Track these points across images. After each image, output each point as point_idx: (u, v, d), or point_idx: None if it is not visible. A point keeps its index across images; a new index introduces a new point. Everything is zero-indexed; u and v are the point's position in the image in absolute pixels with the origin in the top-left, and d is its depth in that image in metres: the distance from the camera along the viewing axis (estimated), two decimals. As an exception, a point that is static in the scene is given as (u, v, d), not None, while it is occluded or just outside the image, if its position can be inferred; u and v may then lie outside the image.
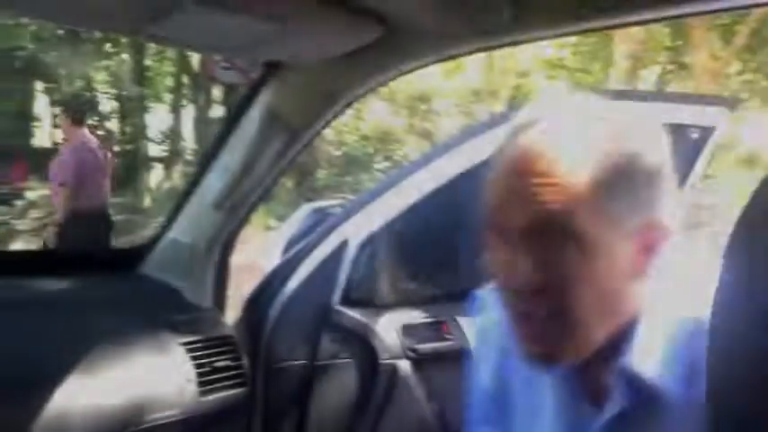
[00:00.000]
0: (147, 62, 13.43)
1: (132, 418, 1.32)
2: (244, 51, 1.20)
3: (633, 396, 0.77)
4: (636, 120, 0.77)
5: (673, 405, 0.75)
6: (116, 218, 6.26)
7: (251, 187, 1.46)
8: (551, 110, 0.77)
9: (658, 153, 0.75)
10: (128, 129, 13.15)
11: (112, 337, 1.39)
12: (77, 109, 5.56)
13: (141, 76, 12.82)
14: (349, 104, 1.32)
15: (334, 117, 1.35)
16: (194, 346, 1.48)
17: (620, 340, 0.77)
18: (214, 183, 1.50)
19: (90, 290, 1.56)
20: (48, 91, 12.26)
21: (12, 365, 1.26)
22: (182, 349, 1.45)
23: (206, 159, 1.54)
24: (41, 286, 1.51)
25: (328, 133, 10.85)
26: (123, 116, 13.35)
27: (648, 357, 0.76)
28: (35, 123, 13.47)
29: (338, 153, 11.95)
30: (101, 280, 1.62)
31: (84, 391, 1.28)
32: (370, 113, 12.22)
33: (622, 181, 0.72)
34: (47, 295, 1.50)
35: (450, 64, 11.79)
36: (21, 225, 8.74)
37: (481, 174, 0.78)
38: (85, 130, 5.37)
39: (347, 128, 11.79)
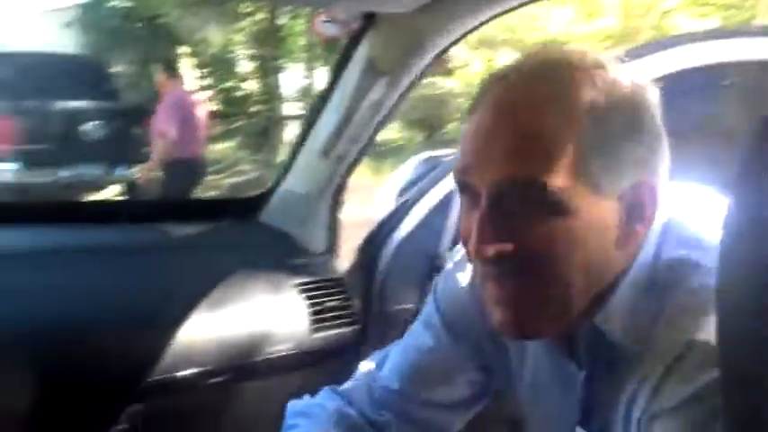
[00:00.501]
0: (281, 22, 13.78)
1: (251, 351, 1.45)
2: (342, 3, 1.26)
3: (600, 355, 0.73)
4: (624, 73, 0.69)
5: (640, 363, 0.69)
6: (254, 173, 6.61)
7: (354, 137, 1.53)
8: (534, 62, 0.70)
9: (646, 108, 0.68)
10: (263, 88, 13.64)
11: (234, 278, 1.51)
12: (172, 64, 5.92)
13: (275, 36, 13.19)
14: (444, 51, 1.34)
15: (429, 66, 1.38)
16: (308, 286, 1.58)
17: (595, 304, 0.71)
18: (321, 133, 1.58)
19: (215, 235, 1.70)
20: (191, 54, 12.90)
21: (147, 302, 1.41)
22: (296, 290, 1.56)
23: (314, 111, 1.62)
24: (173, 231, 1.66)
25: (456, 86, 10.76)
26: (259, 76, 13.84)
27: (617, 316, 0.70)
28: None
29: (467, 105, 11.81)
30: (225, 226, 1.76)
31: (210, 325, 1.41)
32: (500, 61, 11.98)
33: (604, 138, 0.66)
34: (178, 240, 1.65)
35: (587, 8, 11.29)
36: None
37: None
38: (181, 85, 5.71)
39: (476, 79, 11.63)
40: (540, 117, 0.65)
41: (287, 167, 1.74)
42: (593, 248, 0.67)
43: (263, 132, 11.54)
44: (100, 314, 1.34)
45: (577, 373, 0.76)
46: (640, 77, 0.70)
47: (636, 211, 0.68)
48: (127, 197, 7.01)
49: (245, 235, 1.74)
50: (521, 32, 10.61)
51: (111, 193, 7.28)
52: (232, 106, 11.54)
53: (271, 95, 13.25)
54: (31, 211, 1.58)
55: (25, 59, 7.31)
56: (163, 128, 5.41)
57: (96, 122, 6.91)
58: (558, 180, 0.64)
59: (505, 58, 11.91)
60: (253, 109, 12.34)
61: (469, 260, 0.74)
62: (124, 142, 6.88)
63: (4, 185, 6.38)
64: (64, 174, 6.71)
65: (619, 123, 0.66)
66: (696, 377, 0.63)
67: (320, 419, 0.91)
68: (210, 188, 6.93)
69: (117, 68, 10.28)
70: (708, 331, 0.61)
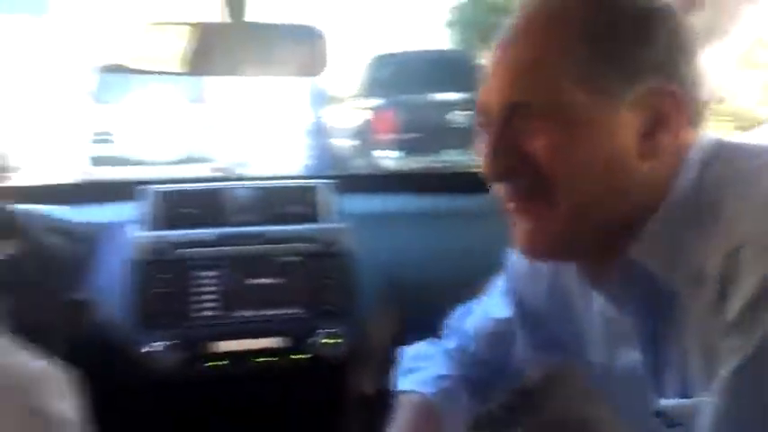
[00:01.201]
0: None
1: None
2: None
3: (644, 294, 0.66)
4: None
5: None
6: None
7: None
8: None
9: (657, 13, 0.64)
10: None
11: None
12: None
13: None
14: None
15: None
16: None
17: (628, 232, 0.65)
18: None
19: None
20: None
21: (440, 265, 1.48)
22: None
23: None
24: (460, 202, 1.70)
25: None
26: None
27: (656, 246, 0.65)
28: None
29: None
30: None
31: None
32: None
33: (607, 43, 0.62)
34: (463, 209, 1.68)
35: None
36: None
37: None
38: None
39: None
40: (536, 40, 0.67)
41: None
42: (608, 159, 0.65)
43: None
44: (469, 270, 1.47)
45: (636, 333, 0.71)
46: None
47: (658, 120, 0.65)
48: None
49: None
50: None
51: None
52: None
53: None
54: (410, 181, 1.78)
55: (406, 57, 8.20)
56: None
57: (463, 112, 7.42)
58: (560, 95, 0.64)
59: None
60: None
61: (489, 185, 0.73)
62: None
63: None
64: (435, 159, 7.36)
65: (623, 29, 0.65)
66: None
67: (438, 360, 0.98)
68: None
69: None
70: None
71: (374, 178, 2.38)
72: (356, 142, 8.03)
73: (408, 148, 7.41)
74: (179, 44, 1.21)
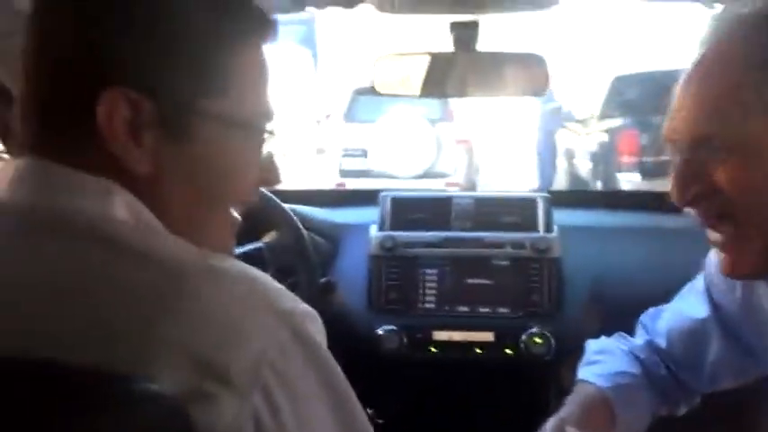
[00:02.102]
0: None
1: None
2: None
3: None
4: None
5: None
6: None
7: None
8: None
9: None
10: None
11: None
12: None
13: None
14: None
15: None
16: None
17: None
18: None
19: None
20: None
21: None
22: None
23: None
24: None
25: None
26: None
27: None
28: None
29: None
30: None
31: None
32: None
33: None
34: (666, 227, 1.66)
35: None
36: None
37: None
38: None
39: None
40: (718, 73, 0.72)
41: None
42: None
43: None
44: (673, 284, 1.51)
45: None
46: None
47: None
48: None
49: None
50: None
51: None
52: None
53: None
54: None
55: (649, 77, 7.87)
56: None
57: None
58: (743, 127, 0.70)
59: None
60: None
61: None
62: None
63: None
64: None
65: None
66: None
67: (619, 356, 1.02)
68: None
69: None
70: None
71: (586, 194, 2.45)
72: (598, 163, 7.89)
73: (652, 171, 7.12)
74: (419, 71, 1.42)
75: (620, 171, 7.25)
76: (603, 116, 7.89)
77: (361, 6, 1.25)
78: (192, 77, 0.57)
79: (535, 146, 8.98)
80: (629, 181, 7.21)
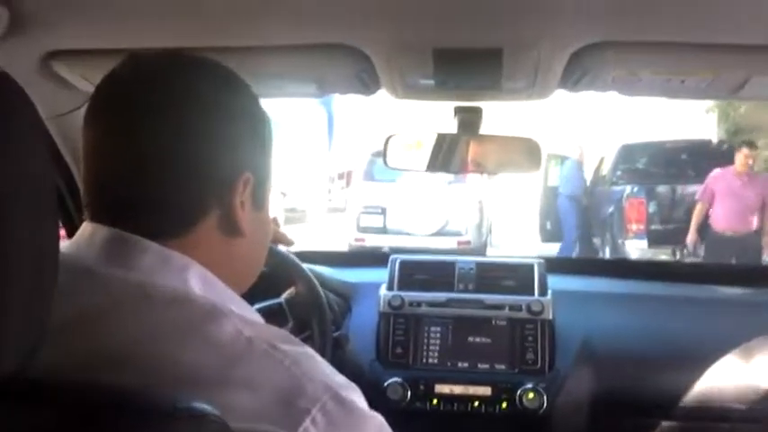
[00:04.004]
0: None
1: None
2: None
3: None
4: None
5: None
6: None
7: None
8: None
9: None
10: None
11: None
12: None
13: None
14: None
15: None
16: None
17: None
18: None
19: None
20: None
21: (692, 342, 1.65)
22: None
23: None
24: (721, 291, 1.86)
25: None
26: None
27: None
28: None
29: None
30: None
31: (735, 370, 1.57)
32: None
33: None
34: (725, 297, 1.84)
35: None
36: None
37: None
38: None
39: None
40: None
41: None
42: None
43: None
44: (657, 346, 1.66)
45: None
46: None
47: None
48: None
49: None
50: None
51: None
52: None
53: None
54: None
55: (656, 147, 8.09)
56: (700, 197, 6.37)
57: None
58: None
59: None
60: None
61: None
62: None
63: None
64: (684, 252, 7.10)
65: None
66: None
67: None
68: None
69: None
70: None
71: (581, 261, 2.60)
72: (605, 231, 8.02)
73: (659, 238, 7.26)
74: (426, 148, 1.59)
75: (627, 238, 7.38)
76: (611, 183, 8.07)
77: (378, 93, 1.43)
78: (268, 157, 0.77)
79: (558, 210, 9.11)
80: (637, 248, 7.34)
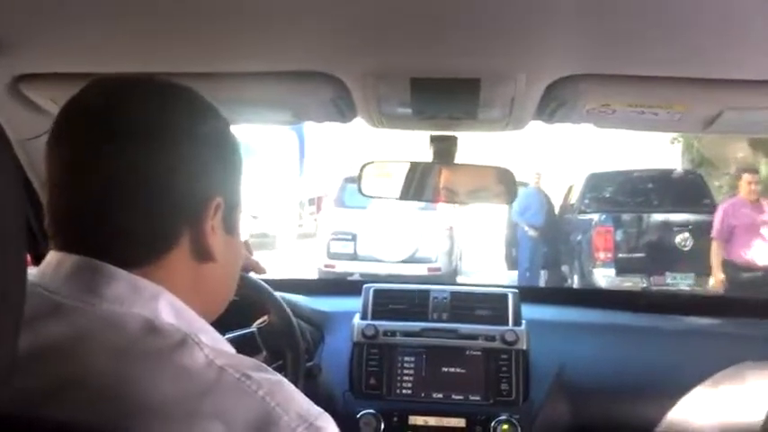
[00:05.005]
0: None
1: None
2: None
3: None
4: None
5: None
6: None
7: None
8: None
9: None
10: None
11: (743, 367, 1.63)
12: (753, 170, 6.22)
13: None
14: None
15: None
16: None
17: None
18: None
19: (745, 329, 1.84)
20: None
21: (665, 373, 1.65)
22: None
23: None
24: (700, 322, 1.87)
25: None
26: None
27: None
28: None
29: None
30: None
31: (707, 402, 1.58)
32: None
33: None
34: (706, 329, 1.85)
35: None
36: None
37: None
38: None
39: None
40: None
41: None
42: None
43: None
44: (630, 377, 1.66)
45: None
46: None
47: None
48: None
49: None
50: None
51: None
52: None
53: None
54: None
55: (625, 176, 8.21)
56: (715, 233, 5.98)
57: (688, 234, 7.21)
58: None
59: None
60: None
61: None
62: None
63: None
64: (652, 280, 7.19)
65: None
66: None
67: None
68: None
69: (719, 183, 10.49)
70: None
71: (554, 291, 2.62)
72: (574, 259, 8.09)
73: (626, 267, 7.33)
74: (399, 177, 1.59)
75: (595, 266, 7.45)
76: (579, 212, 8.16)
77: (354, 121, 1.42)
78: (239, 181, 0.77)
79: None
80: (604, 276, 7.41)
